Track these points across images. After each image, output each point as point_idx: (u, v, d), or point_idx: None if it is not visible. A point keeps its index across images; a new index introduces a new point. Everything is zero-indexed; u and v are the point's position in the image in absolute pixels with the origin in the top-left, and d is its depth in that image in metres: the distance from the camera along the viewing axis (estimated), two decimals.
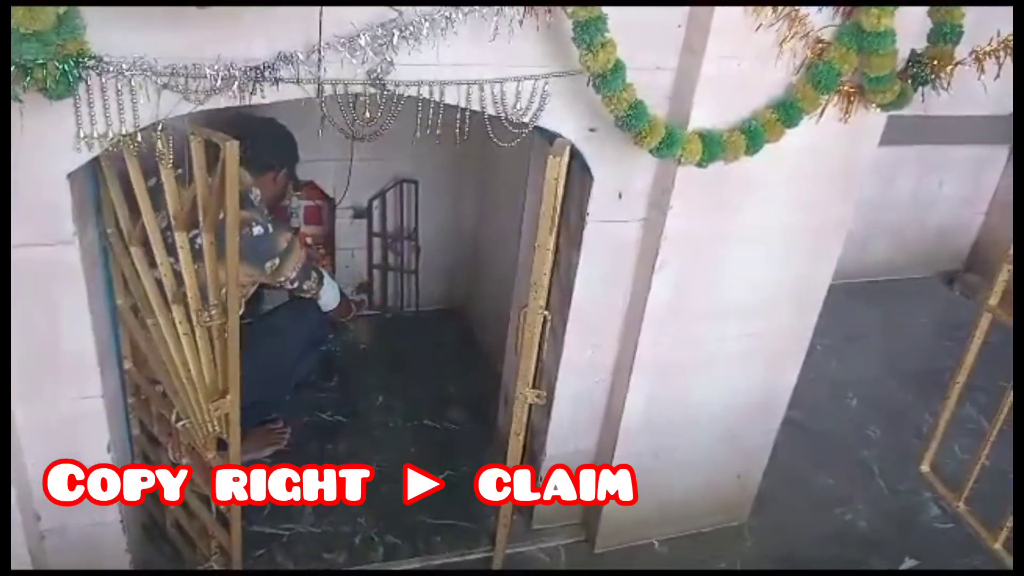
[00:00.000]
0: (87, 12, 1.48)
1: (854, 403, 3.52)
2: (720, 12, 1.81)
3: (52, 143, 1.64)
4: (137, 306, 2.00)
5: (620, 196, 2.10)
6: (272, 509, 2.61)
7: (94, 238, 1.93)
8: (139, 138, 1.67)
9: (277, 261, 2.38)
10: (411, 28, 1.67)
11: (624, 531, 2.65)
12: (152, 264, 1.88)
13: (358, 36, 1.66)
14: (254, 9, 1.48)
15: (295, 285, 2.53)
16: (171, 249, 1.83)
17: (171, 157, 1.69)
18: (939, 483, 2.40)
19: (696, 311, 2.28)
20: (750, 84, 1.96)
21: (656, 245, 2.12)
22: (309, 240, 3.38)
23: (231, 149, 1.56)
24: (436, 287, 3.79)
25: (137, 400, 2.21)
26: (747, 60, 1.91)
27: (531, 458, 2.53)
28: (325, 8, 1.61)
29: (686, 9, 1.87)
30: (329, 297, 2.74)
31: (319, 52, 1.65)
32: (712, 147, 1.91)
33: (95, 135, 1.64)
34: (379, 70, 1.72)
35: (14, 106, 1.52)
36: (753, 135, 1.94)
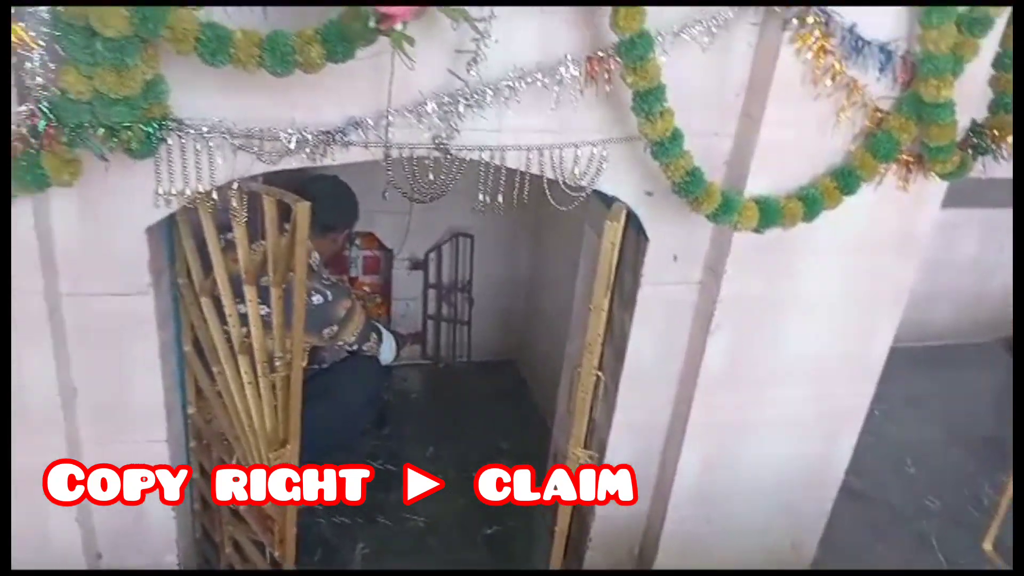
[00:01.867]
0: (171, 76, 1.57)
1: (913, 471, 3.42)
2: (778, 81, 1.84)
3: (133, 199, 1.74)
4: (204, 354, 2.07)
5: (675, 259, 2.11)
6: (324, 554, 2.64)
7: (167, 289, 2.01)
8: (214, 196, 1.76)
9: (335, 328, 2.44)
10: (476, 96, 1.73)
11: None
12: (221, 315, 1.95)
13: (425, 103, 1.73)
14: (329, 77, 1.55)
15: (354, 347, 2.59)
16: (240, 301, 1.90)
17: (245, 215, 1.77)
18: (1001, 561, 2.32)
19: (751, 375, 2.27)
20: (808, 151, 1.97)
21: (711, 308, 2.12)
22: (367, 288, 3.46)
23: (302, 210, 1.63)
24: (489, 338, 3.82)
25: (198, 444, 2.27)
26: (805, 128, 1.93)
27: (581, 518, 2.52)
28: (394, 75, 1.68)
29: (744, 78, 1.90)
30: (388, 353, 2.79)
31: (387, 118, 1.72)
32: (769, 213, 1.92)
33: (173, 192, 1.73)
34: (443, 135, 1.79)
35: (100, 164, 1.61)
36: (811, 202, 1.95)
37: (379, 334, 2.71)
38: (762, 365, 2.26)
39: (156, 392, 1.96)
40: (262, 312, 1.89)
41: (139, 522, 2.12)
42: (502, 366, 3.85)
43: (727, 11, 1.76)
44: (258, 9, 1.52)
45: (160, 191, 1.72)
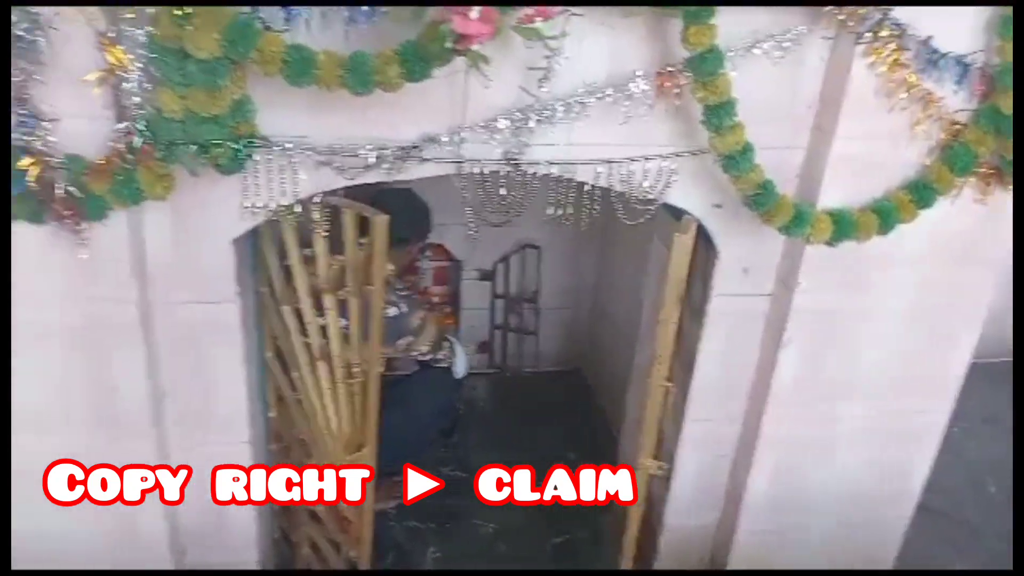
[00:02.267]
0: (257, 96, 1.65)
1: (993, 490, 3.30)
2: (851, 94, 1.83)
3: (220, 213, 1.82)
4: (284, 360, 2.15)
5: (745, 271, 2.11)
6: (396, 557, 2.70)
7: (250, 298, 2.10)
8: (297, 209, 1.84)
9: (410, 339, 2.52)
10: (546, 112, 1.77)
11: None
12: (301, 324, 2.03)
13: (497, 119, 1.77)
14: (405, 95, 1.61)
15: (428, 357, 2.64)
16: (319, 310, 1.98)
17: (326, 227, 1.84)
18: None
19: (824, 388, 2.24)
20: (882, 164, 1.95)
21: (783, 321, 2.11)
22: (436, 299, 3.53)
23: (380, 224, 1.69)
24: (555, 348, 3.85)
25: (278, 447, 2.36)
26: (878, 141, 1.91)
27: (650, 529, 2.52)
28: (468, 92, 1.73)
29: (817, 91, 1.89)
30: (461, 366, 2.84)
31: (461, 134, 1.77)
32: (843, 226, 1.90)
33: (258, 206, 1.82)
34: (514, 150, 1.83)
35: (189, 179, 1.70)
36: (885, 215, 1.92)
37: (452, 345, 2.75)
38: (835, 379, 2.23)
39: (240, 396, 2.05)
40: (341, 324, 1.96)
41: (222, 521, 2.21)
42: (568, 375, 3.87)
43: (799, 26, 1.76)
44: (339, 30, 1.58)
45: (246, 204, 1.80)
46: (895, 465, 2.45)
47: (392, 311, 2.46)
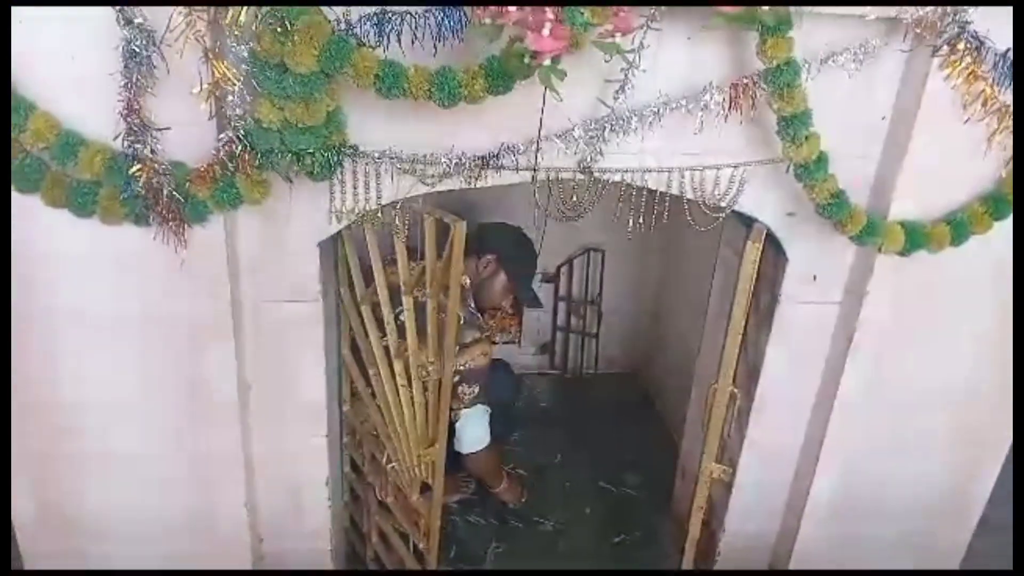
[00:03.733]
0: (346, 108, 1.74)
1: None
2: (926, 106, 1.84)
3: (310, 216, 1.92)
4: (361, 357, 2.24)
5: (815, 278, 2.12)
6: (458, 551, 2.78)
7: (331, 297, 2.19)
8: (380, 214, 1.92)
9: (456, 349, 2.36)
10: (621, 122, 1.81)
11: None
12: (378, 323, 2.11)
13: (573, 129, 1.83)
14: (487, 107, 1.68)
15: (457, 379, 2.46)
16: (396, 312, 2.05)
17: (406, 232, 1.92)
18: None
19: (891, 399, 2.24)
20: (956, 176, 1.95)
21: (851, 329, 2.12)
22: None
23: (459, 228, 1.76)
24: (615, 351, 3.89)
25: (352, 440, 2.46)
26: (953, 153, 1.91)
27: (709, 534, 2.55)
28: (545, 103, 1.79)
29: (891, 102, 1.90)
30: (471, 432, 2.58)
31: (538, 144, 1.83)
32: (915, 237, 1.91)
33: (345, 210, 1.90)
34: (588, 159, 1.88)
35: (284, 186, 1.80)
36: (959, 227, 1.93)
37: (478, 399, 2.55)
38: (903, 389, 2.24)
39: (319, 391, 2.14)
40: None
41: (298, 510, 2.31)
42: (627, 378, 3.91)
43: (875, 39, 1.77)
44: (428, 46, 1.66)
45: (333, 209, 1.89)
46: (958, 478, 2.44)
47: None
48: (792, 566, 2.48)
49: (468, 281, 2.66)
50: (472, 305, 2.65)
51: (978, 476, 2.44)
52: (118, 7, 1.55)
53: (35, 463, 2.10)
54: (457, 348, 2.44)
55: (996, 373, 2.25)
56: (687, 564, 2.25)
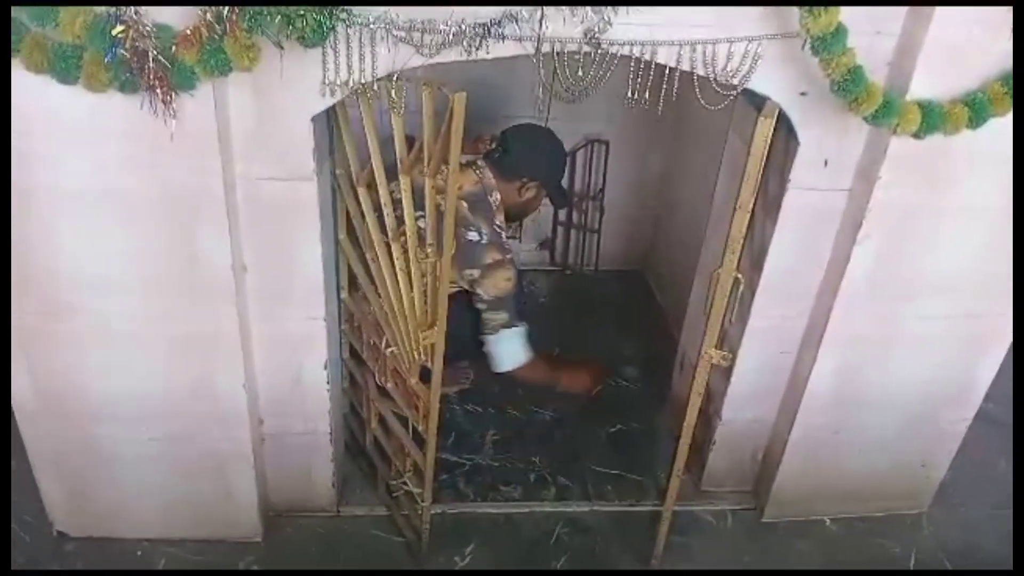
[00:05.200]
0: None
1: None
2: None
3: (302, 88, 1.83)
4: (358, 240, 2.20)
5: (826, 164, 2.06)
6: (457, 438, 2.82)
7: (327, 177, 2.14)
8: (375, 87, 1.84)
9: (476, 273, 2.43)
10: None
11: (796, 504, 2.64)
12: (376, 204, 2.06)
13: None
14: None
15: (483, 307, 2.49)
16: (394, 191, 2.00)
17: (403, 106, 1.85)
18: None
19: (896, 288, 2.21)
20: (979, 53, 1.86)
21: (860, 216, 2.07)
22: None
23: (459, 100, 1.69)
24: (617, 247, 3.86)
25: (350, 326, 2.44)
26: (978, 27, 1.82)
27: (706, 420, 2.57)
28: None
29: None
30: (502, 353, 2.58)
31: (542, 10, 1.73)
32: (932, 118, 1.84)
33: (338, 82, 1.82)
34: (596, 29, 1.79)
35: (275, 53, 1.71)
36: (978, 108, 1.85)
37: (510, 321, 2.52)
38: (909, 278, 2.20)
39: (316, 273, 2.11)
40: (417, 215, 1.97)
41: (297, 393, 2.32)
42: (629, 275, 3.89)
43: None
44: None
45: (326, 80, 1.81)
46: (961, 368, 2.43)
47: (472, 235, 2.41)
48: (787, 454, 2.51)
49: (499, 198, 2.56)
50: (499, 222, 2.55)
51: (979, 367, 2.43)
52: None
53: (32, 341, 2.09)
54: (478, 271, 2.44)
55: (1002, 263, 2.21)
56: (682, 451, 2.26)
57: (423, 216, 1.97)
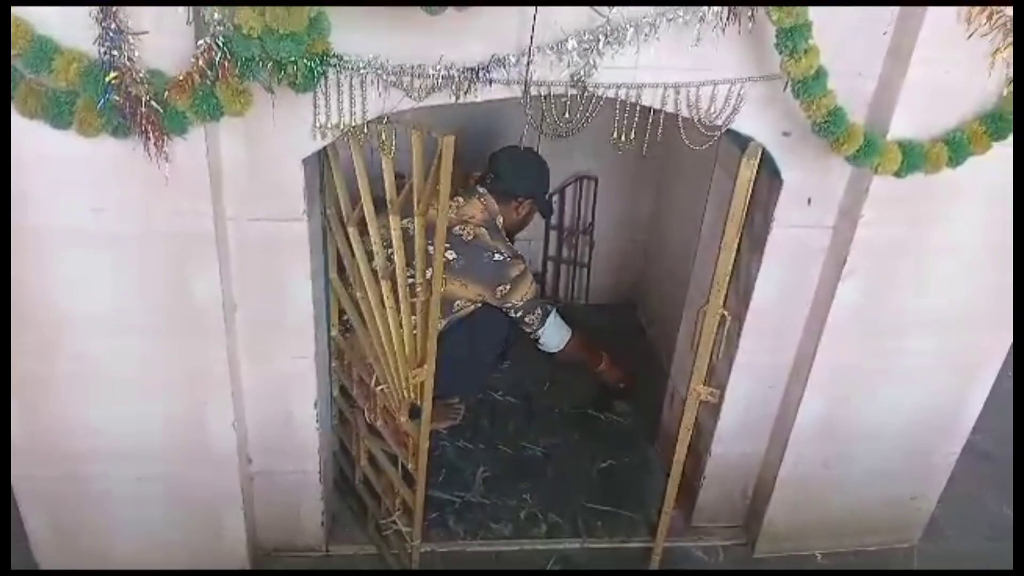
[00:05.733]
0: (331, 15, 1.67)
1: None
2: (930, 19, 1.78)
3: (293, 132, 1.86)
4: (348, 279, 2.21)
5: (809, 202, 2.09)
6: (447, 475, 2.81)
7: (317, 217, 2.15)
8: (365, 130, 1.87)
9: (508, 287, 2.59)
10: (616, 33, 1.75)
11: (787, 539, 2.64)
12: (366, 244, 2.08)
13: (566, 40, 1.77)
14: (476, 16, 1.62)
15: (519, 315, 2.69)
16: (384, 231, 2.02)
17: (392, 149, 1.87)
18: None
19: (882, 323, 2.24)
20: (957, 94, 1.90)
21: (844, 253, 2.10)
22: None
23: (447, 144, 1.72)
24: (607, 281, 3.88)
25: (340, 364, 2.45)
26: (955, 69, 1.86)
27: (696, 456, 2.57)
28: (537, 13, 1.73)
29: (894, 15, 1.85)
30: (551, 337, 2.80)
31: (529, 55, 1.77)
32: (912, 157, 1.88)
33: (329, 125, 1.85)
34: (582, 72, 1.83)
35: (266, 99, 1.74)
36: (957, 147, 1.89)
37: (545, 314, 2.75)
38: (893, 314, 2.23)
39: (306, 312, 2.12)
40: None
41: (286, 432, 2.31)
42: (619, 308, 3.91)
43: None
44: None
45: (317, 124, 1.84)
46: (948, 402, 2.45)
47: (498, 256, 2.58)
48: (777, 489, 2.51)
49: (501, 219, 2.75)
50: (508, 239, 2.74)
51: (966, 401, 2.45)
52: None
53: (22, 379, 2.08)
54: (508, 285, 2.60)
55: (986, 298, 2.24)
56: (672, 487, 2.27)
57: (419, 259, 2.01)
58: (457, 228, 2.56)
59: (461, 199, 2.67)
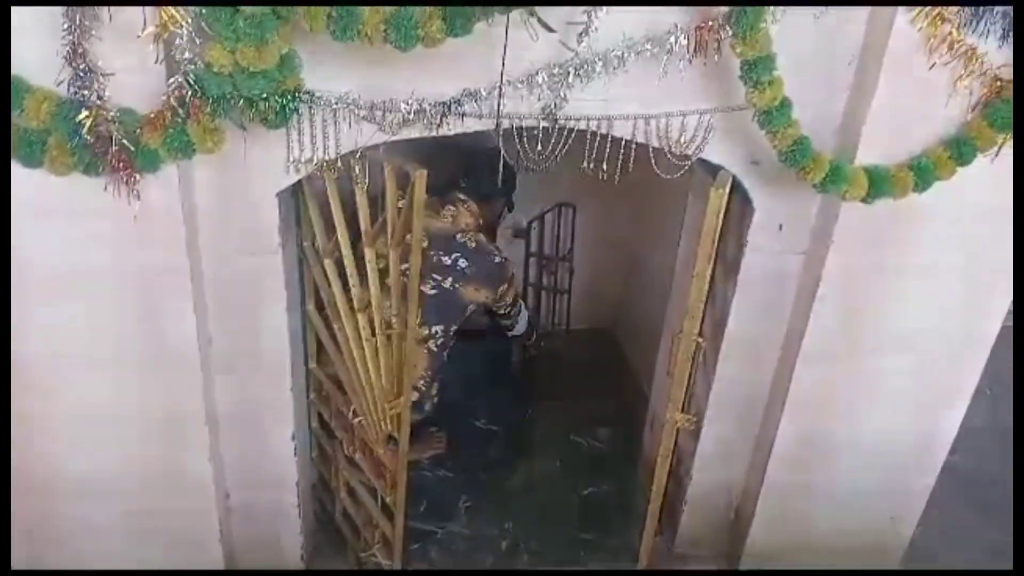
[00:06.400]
0: (302, 52, 1.68)
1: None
2: (892, 49, 1.82)
3: (266, 167, 1.88)
4: (326, 312, 2.21)
5: (781, 228, 2.12)
6: (428, 506, 2.79)
7: (293, 250, 2.16)
8: (339, 164, 1.88)
9: (506, 286, 2.72)
10: (585, 67, 1.78)
11: (768, 562, 2.63)
12: (342, 276, 2.08)
13: (536, 74, 1.79)
14: (446, 50, 1.63)
15: (510, 311, 2.84)
16: (360, 264, 2.03)
17: (366, 182, 1.89)
18: None
19: (856, 346, 2.26)
20: (921, 121, 1.94)
21: (816, 278, 2.12)
22: None
23: (420, 178, 1.73)
24: (587, 307, 3.89)
25: (318, 396, 2.44)
26: (919, 97, 1.90)
27: (676, 481, 2.57)
28: (507, 48, 1.75)
29: (857, 45, 1.88)
30: (521, 325, 3.04)
31: (500, 89, 1.79)
32: (879, 183, 1.91)
33: (303, 160, 1.87)
34: (553, 105, 1.85)
35: (239, 135, 1.75)
36: (922, 172, 1.92)
37: (521, 307, 2.97)
38: (867, 337, 2.25)
39: (282, 344, 2.12)
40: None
41: (264, 465, 2.30)
42: (600, 334, 3.92)
43: None
44: None
45: (291, 159, 1.85)
46: (924, 424, 2.47)
47: (498, 258, 2.72)
48: (758, 512, 2.51)
49: (482, 221, 2.86)
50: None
51: (942, 423, 2.46)
52: None
53: None
54: (506, 284, 2.76)
55: (960, 320, 2.27)
56: (652, 512, 2.26)
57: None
58: (459, 236, 2.67)
59: (453, 208, 2.74)
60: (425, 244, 2.28)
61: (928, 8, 1.75)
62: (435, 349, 2.62)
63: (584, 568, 2.56)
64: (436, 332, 2.59)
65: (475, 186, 2.82)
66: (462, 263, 2.58)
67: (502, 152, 1.88)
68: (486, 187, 2.82)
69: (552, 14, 1.69)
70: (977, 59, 1.83)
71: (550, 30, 1.64)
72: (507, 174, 2.85)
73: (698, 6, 1.72)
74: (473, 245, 2.69)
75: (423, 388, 2.62)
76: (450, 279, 2.57)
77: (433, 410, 2.74)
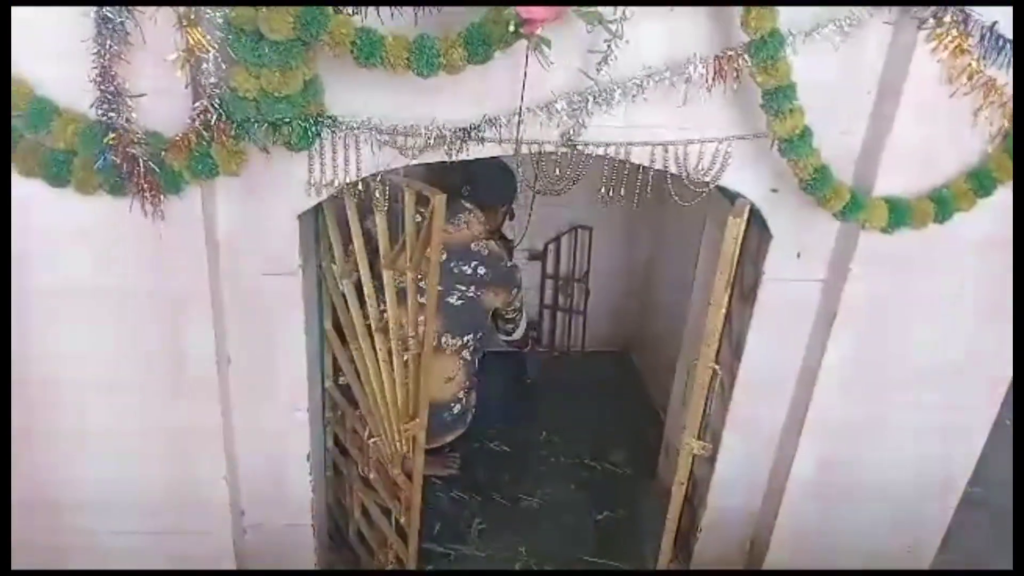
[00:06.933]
0: (326, 76, 1.71)
1: None
2: (912, 80, 1.82)
3: (288, 188, 1.89)
4: (343, 331, 2.23)
5: (799, 256, 2.11)
6: (442, 528, 2.78)
7: (312, 271, 2.18)
8: (360, 186, 1.90)
9: (518, 290, 2.78)
10: (605, 94, 1.79)
11: None
12: (360, 296, 2.10)
13: (556, 101, 1.81)
14: (467, 77, 1.65)
15: (514, 315, 2.88)
16: (379, 284, 2.04)
17: (386, 204, 1.90)
18: None
19: (874, 376, 2.24)
20: (941, 151, 1.93)
21: (834, 307, 2.11)
22: None
23: (439, 201, 1.74)
24: (603, 329, 3.89)
25: (334, 416, 2.45)
26: (939, 128, 1.90)
27: (691, 508, 2.56)
28: (528, 75, 1.76)
29: (877, 76, 1.88)
30: (520, 329, 3.07)
31: (520, 115, 1.81)
32: (899, 213, 1.90)
33: (324, 182, 1.88)
34: (571, 132, 1.87)
35: (262, 157, 1.77)
36: (943, 204, 1.92)
37: (522, 311, 2.99)
38: (886, 367, 2.23)
39: (300, 364, 2.13)
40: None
41: (279, 485, 2.31)
42: (615, 357, 3.92)
43: (861, 11, 1.75)
44: (409, 12, 1.63)
45: (312, 181, 1.87)
46: (942, 454, 2.44)
47: (509, 263, 2.75)
48: (773, 542, 2.49)
49: (488, 229, 2.87)
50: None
51: (961, 453, 2.43)
52: None
53: (18, 434, 2.08)
54: (519, 288, 2.80)
55: (978, 351, 2.25)
56: (667, 539, 2.25)
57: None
58: (474, 245, 2.70)
59: (463, 216, 2.76)
60: (444, 257, 2.29)
61: (948, 39, 1.75)
62: (468, 358, 2.67)
63: (586, 569, 2.53)
64: (468, 341, 2.65)
65: (477, 194, 2.84)
66: (481, 270, 2.64)
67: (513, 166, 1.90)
68: (488, 195, 2.86)
69: (572, 42, 1.71)
70: (997, 90, 1.82)
71: (545, 65, 1.64)
72: (506, 182, 2.91)
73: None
74: (487, 252, 2.73)
75: (462, 398, 2.67)
76: (473, 287, 2.61)
77: (473, 421, 2.78)
